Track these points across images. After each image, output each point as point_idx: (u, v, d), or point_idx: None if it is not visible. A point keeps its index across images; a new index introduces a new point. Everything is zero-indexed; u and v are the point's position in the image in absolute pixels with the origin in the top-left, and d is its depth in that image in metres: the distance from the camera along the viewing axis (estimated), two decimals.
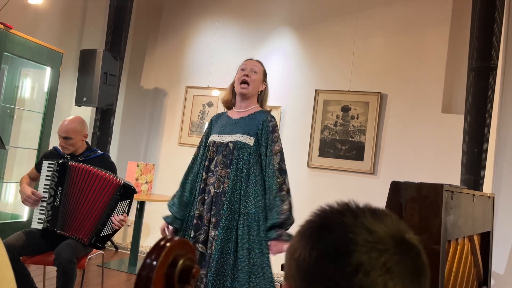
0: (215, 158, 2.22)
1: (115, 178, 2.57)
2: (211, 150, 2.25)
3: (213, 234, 2.14)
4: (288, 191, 2.15)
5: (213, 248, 2.11)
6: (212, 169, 2.21)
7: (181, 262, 0.58)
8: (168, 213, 2.33)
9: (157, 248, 0.56)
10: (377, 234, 0.56)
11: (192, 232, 2.20)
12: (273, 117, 2.27)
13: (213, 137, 2.27)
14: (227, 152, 2.19)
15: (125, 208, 2.59)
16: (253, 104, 2.29)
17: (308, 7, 4.57)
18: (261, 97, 2.33)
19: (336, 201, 0.61)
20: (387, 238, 0.56)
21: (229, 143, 2.19)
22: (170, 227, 2.28)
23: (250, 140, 2.18)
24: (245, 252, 2.09)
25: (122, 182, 2.57)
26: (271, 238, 2.11)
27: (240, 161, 2.16)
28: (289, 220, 2.14)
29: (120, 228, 2.58)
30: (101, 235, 2.55)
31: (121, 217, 2.55)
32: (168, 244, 0.57)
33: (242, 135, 2.19)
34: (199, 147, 2.37)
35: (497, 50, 3.45)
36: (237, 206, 2.13)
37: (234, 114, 2.31)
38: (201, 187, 2.23)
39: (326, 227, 0.58)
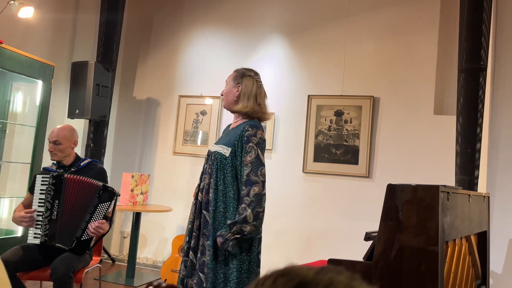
0: (205, 166, 2.30)
1: (95, 182, 2.58)
2: (207, 158, 2.33)
3: (202, 242, 2.18)
4: (249, 204, 2.05)
5: (207, 258, 2.13)
6: (203, 176, 2.30)
7: None
8: None
9: None
10: None
11: (187, 237, 2.28)
12: (253, 126, 2.19)
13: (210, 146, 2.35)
14: (212, 161, 2.23)
15: (105, 211, 2.57)
16: (241, 116, 2.31)
17: (299, 13, 4.60)
18: (239, 98, 2.26)
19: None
20: None
21: (213, 153, 2.25)
22: None
23: (226, 151, 2.19)
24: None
25: (102, 184, 2.57)
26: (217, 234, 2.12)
27: (218, 172, 2.18)
28: (236, 227, 2.05)
29: (99, 234, 2.55)
30: (82, 239, 2.54)
31: (96, 224, 2.53)
32: None
33: (222, 145, 2.23)
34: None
35: (486, 51, 3.49)
36: (219, 217, 2.15)
37: (232, 125, 2.38)
38: (195, 192, 2.33)
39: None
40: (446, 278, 1.96)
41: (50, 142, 2.69)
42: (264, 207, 2.10)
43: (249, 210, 2.04)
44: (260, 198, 2.07)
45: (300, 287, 0.50)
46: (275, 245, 4.28)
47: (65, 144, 2.68)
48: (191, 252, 2.22)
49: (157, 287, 0.57)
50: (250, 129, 2.17)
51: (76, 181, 2.57)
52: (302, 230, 4.28)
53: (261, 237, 2.25)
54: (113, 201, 2.60)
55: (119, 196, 2.64)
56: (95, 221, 2.54)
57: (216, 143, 2.32)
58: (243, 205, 2.06)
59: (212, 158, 2.23)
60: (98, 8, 4.81)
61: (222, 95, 2.37)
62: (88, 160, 2.82)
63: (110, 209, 2.60)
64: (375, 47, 4.27)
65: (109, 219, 2.61)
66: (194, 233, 2.22)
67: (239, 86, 2.28)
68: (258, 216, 2.06)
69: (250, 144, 2.15)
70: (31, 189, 2.70)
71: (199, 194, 2.25)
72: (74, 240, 2.53)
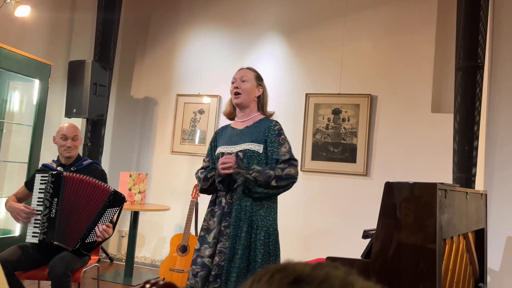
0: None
1: (106, 186, 2.59)
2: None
3: (227, 244, 2.09)
4: (278, 175, 2.10)
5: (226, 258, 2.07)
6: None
7: None
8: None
9: None
10: None
11: (198, 244, 2.19)
12: (277, 122, 2.30)
13: (221, 149, 2.27)
14: (240, 160, 2.18)
15: (112, 216, 2.57)
16: (254, 112, 2.32)
17: (296, 12, 4.60)
18: (261, 102, 2.35)
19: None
20: None
21: (239, 153, 2.19)
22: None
23: (259, 148, 2.19)
24: (256, 256, 2.09)
25: (112, 189, 2.57)
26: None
27: None
28: (256, 174, 2.10)
29: (104, 237, 2.55)
30: (86, 241, 2.53)
31: (104, 227, 2.52)
32: None
33: (251, 143, 2.20)
34: (204, 161, 2.39)
35: (483, 48, 3.50)
36: (253, 215, 2.12)
37: (238, 124, 2.33)
38: (211, 199, 2.25)
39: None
40: (444, 275, 1.97)
41: (68, 138, 2.70)
42: (281, 187, 2.12)
43: (273, 175, 2.09)
44: (290, 178, 2.13)
45: (297, 282, 0.50)
46: None
47: (79, 140, 2.78)
48: (207, 259, 2.10)
49: (154, 285, 0.57)
50: (278, 124, 2.28)
51: (76, 180, 2.56)
52: (300, 229, 4.28)
53: (276, 233, 2.21)
54: (121, 207, 2.60)
55: (125, 201, 2.65)
56: (103, 224, 2.53)
57: (233, 143, 2.24)
58: (271, 171, 2.10)
59: (240, 157, 2.17)
60: (95, 7, 4.80)
61: (237, 87, 2.28)
62: (90, 161, 2.81)
63: (116, 214, 2.60)
64: (373, 46, 4.28)
65: (113, 223, 2.61)
66: (214, 240, 2.13)
67: (260, 88, 2.36)
68: (277, 185, 2.10)
69: (282, 136, 2.24)
70: (27, 184, 2.70)
71: (223, 198, 2.16)
72: (78, 242, 2.51)
